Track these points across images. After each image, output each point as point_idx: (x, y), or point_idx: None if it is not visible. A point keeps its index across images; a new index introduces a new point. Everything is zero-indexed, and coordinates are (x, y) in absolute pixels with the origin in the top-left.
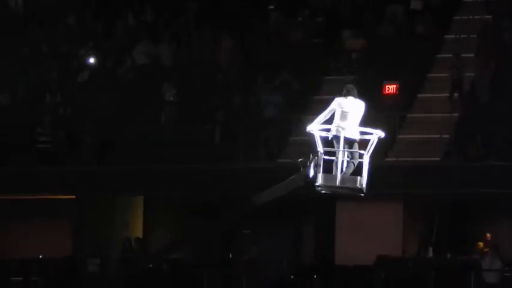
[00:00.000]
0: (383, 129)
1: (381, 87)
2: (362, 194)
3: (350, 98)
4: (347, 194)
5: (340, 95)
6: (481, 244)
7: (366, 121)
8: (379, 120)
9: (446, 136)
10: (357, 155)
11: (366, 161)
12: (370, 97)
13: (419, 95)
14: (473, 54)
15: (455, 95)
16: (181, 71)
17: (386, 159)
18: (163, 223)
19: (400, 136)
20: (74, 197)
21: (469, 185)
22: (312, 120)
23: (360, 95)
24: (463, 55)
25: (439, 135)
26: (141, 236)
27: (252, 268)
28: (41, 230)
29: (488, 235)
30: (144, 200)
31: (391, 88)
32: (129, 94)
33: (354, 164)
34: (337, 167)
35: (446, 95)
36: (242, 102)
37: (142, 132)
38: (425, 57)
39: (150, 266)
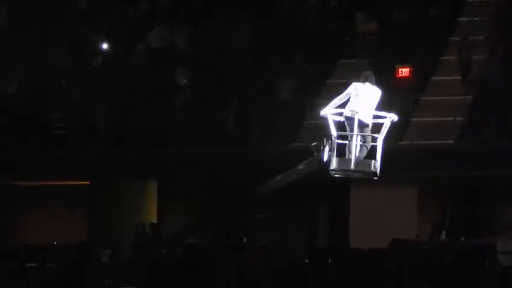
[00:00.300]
0: (396, 113)
1: (394, 70)
2: (375, 178)
3: (367, 84)
4: (360, 178)
5: (357, 80)
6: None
7: (379, 104)
8: (393, 103)
9: (460, 119)
10: (369, 139)
11: (379, 144)
12: (383, 80)
13: (432, 78)
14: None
15: (468, 78)
16: (195, 56)
17: (400, 142)
18: (177, 208)
19: (413, 119)
20: (88, 182)
21: (483, 168)
22: (326, 104)
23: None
24: (475, 38)
25: (452, 118)
26: (155, 221)
27: (266, 252)
28: (56, 216)
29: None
30: (158, 185)
31: (404, 71)
32: (143, 79)
33: (366, 148)
34: (350, 151)
35: (459, 77)
36: (256, 87)
37: (156, 117)
38: (439, 40)
39: (164, 251)
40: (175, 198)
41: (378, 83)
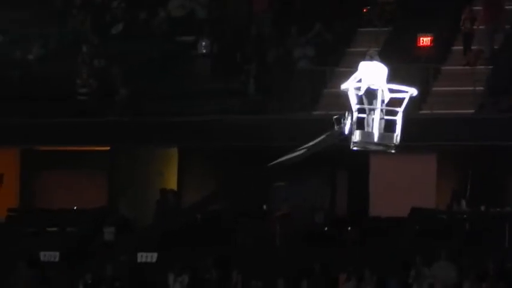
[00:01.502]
0: (417, 82)
1: (415, 39)
2: (393, 151)
3: (375, 62)
4: (378, 150)
5: (364, 59)
6: None
7: (399, 73)
8: (413, 73)
9: (480, 88)
10: (388, 112)
11: (399, 118)
12: (404, 49)
13: (453, 48)
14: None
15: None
16: (215, 24)
17: (420, 111)
18: (197, 175)
19: (434, 88)
20: (108, 148)
21: (503, 137)
22: (346, 73)
23: (394, 47)
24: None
25: (473, 88)
26: (175, 188)
27: (286, 219)
28: (76, 181)
29: None
30: (178, 152)
31: (425, 40)
32: (163, 47)
33: (384, 121)
34: (368, 124)
35: (480, 47)
36: (276, 55)
37: (176, 84)
38: (460, 9)
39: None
40: (195, 165)
41: (399, 51)
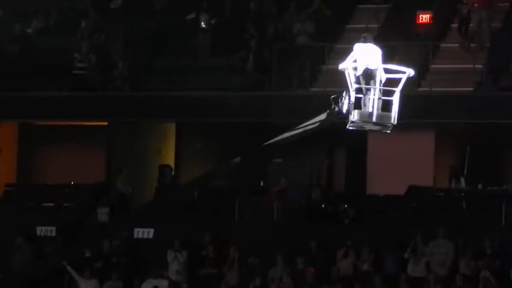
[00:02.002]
0: (414, 63)
1: (414, 16)
2: (388, 131)
3: (369, 44)
4: (374, 130)
5: (359, 41)
6: None
7: (398, 50)
8: (413, 50)
9: (480, 66)
10: (382, 92)
11: (395, 98)
12: (403, 26)
13: (452, 25)
14: None
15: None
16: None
17: (419, 89)
18: (194, 150)
19: (433, 66)
20: (106, 123)
21: (501, 115)
22: (344, 50)
23: (394, 24)
24: None
25: (472, 65)
26: (172, 164)
27: (283, 196)
28: (74, 156)
29: None
30: (176, 127)
31: (424, 17)
32: (163, 22)
33: (382, 101)
34: (365, 104)
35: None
36: (275, 30)
37: (175, 59)
38: None
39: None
40: (193, 141)
41: (398, 27)
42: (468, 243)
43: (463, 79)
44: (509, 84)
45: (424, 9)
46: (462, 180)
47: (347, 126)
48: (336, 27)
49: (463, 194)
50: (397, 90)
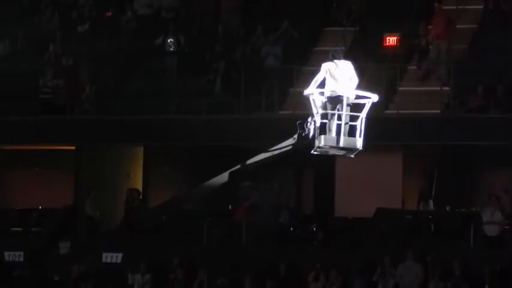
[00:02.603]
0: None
1: (382, 39)
2: (352, 156)
3: (336, 62)
4: (338, 155)
5: (327, 60)
6: None
7: (366, 72)
8: (380, 72)
9: (447, 88)
10: (349, 117)
11: (358, 123)
12: (370, 48)
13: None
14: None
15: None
16: (182, 22)
17: (387, 111)
18: (163, 174)
19: (400, 88)
20: (74, 147)
21: (469, 137)
22: (311, 74)
23: (361, 46)
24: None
25: (439, 87)
26: (140, 187)
27: (252, 217)
28: (42, 180)
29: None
30: (144, 151)
31: (391, 40)
32: (130, 45)
33: (348, 125)
34: (330, 129)
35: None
36: (243, 53)
37: (143, 82)
38: (426, 8)
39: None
40: (161, 164)
41: (365, 50)
42: (437, 265)
43: (430, 101)
44: (477, 105)
45: (391, 32)
46: (431, 202)
47: (312, 151)
48: (304, 49)
49: (431, 216)
50: (362, 115)
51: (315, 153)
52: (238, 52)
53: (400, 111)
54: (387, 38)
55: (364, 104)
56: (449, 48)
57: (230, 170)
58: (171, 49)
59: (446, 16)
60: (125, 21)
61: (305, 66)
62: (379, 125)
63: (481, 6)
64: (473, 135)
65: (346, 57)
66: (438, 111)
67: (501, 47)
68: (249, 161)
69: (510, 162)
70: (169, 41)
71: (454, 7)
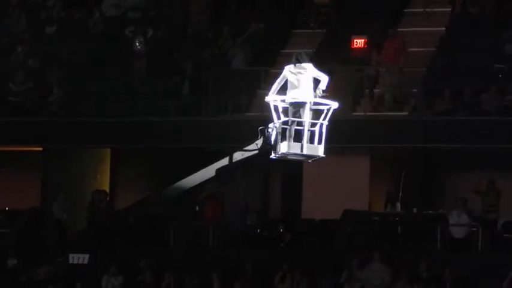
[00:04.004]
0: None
1: (349, 41)
2: (310, 161)
3: (299, 65)
4: (300, 160)
5: (290, 62)
6: None
7: (333, 75)
8: (347, 74)
9: (414, 90)
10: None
11: (317, 130)
12: (338, 50)
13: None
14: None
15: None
16: (149, 24)
17: (354, 113)
18: (130, 176)
19: (367, 90)
20: (41, 148)
21: (436, 140)
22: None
23: (329, 49)
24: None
25: (407, 90)
26: (108, 189)
27: (220, 213)
28: (9, 181)
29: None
30: (111, 153)
31: (359, 42)
32: (97, 47)
33: (309, 132)
34: (291, 135)
35: (414, 49)
36: (210, 55)
37: (110, 84)
38: (394, 11)
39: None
40: (129, 166)
41: (333, 53)
42: (404, 267)
43: (398, 103)
44: (444, 108)
45: (359, 34)
46: (398, 204)
47: (271, 156)
48: (271, 51)
49: (398, 218)
50: (324, 122)
51: (274, 157)
52: (206, 54)
53: (367, 114)
54: (355, 40)
55: (325, 111)
56: (401, 72)
57: (197, 173)
58: (139, 47)
59: (400, 39)
60: (92, 23)
61: (272, 69)
62: (346, 127)
63: (449, 9)
64: (441, 138)
65: (313, 60)
66: (406, 113)
67: (469, 50)
68: (216, 163)
69: (477, 165)
70: (137, 42)
71: (422, 9)
